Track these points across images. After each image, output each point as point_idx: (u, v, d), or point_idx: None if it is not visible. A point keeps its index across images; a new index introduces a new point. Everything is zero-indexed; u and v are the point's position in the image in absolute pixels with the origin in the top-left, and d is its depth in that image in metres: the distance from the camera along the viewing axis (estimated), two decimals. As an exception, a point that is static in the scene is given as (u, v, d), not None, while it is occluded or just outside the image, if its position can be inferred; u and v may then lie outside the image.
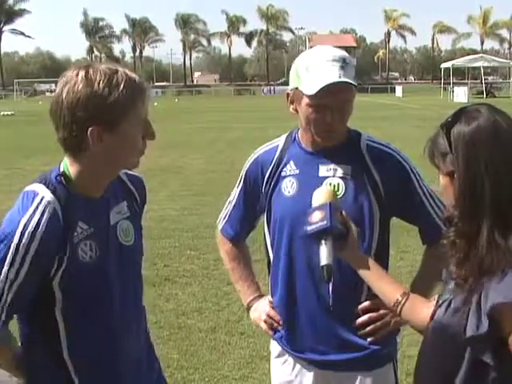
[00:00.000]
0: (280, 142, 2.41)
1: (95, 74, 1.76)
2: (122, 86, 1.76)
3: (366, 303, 2.26)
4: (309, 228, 1.93)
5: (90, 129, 1.76)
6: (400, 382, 2.43)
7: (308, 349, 2.33)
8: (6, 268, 1.74)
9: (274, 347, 2.47)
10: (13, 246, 1.73)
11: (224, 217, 2.56)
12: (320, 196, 2.00)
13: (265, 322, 2.42)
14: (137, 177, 2.11)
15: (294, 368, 2.39)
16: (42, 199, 1.79)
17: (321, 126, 2.20)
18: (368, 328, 2.26)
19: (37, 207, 1.77)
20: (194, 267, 7.04)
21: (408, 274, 5.83)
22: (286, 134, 2.42)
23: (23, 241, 1.74)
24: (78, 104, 1.75)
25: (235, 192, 2.51)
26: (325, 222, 1.90)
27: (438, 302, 1.75)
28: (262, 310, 2.43)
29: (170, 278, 6.66)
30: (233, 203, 2.52)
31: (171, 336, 5.16)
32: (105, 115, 1.76)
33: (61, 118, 1.78)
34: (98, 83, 1.75)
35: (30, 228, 1.74)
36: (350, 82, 2.15)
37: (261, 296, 2.51)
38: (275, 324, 2.39)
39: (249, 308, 2.52)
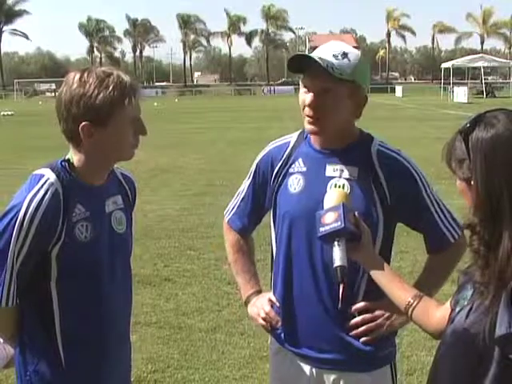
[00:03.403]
0: (292, 138, 2.41)
1: (89, 77, 2.02)
2: (110, 87, 2.01)
3: (361, 304, 2.25)
4: (322, 229, 1.91)
5: (81, 124, 2.02)
6: (399, 383, 2.43)
7: (305, 345, 2.33)
8: (15, 234, 1.99)
9: (273, 344, 2.47)
10: (20, 216, 1.99)
11: (232, 208, 2.56)
12: (333, 197, 1.99)
13: (263, 319, 2.41)
14: (130, 178, 2.37)
15: (291, 364, 2.38)
16: (46, 180, 2.05)
17: (303, 109, 2.22)
18: (360, 329, 2.25)
19: (42, 186, 2.03)
20: (194, 267, 7.03)
21: (408, 275, 5.83)
22: (299, 131, 2.41)
23: (28, 212, 1.99)
24: (72, 102, 2.02)
25: (245, 184, 2.51)
26: (339, 223, 1.88)
27: (454, 308, 1.71)
28: (261, 307, 2.42)
29: (170, 278, 6.66)
30: (242, 195, 2.52)
31: (171, 336, 5.16)
32: (94, 113, 2.01)
33: (60, 113, 2.07)
34: (90, 85, 2.01)
35: (35, 203, 2.00)
36: (318, 61, 2.10)
37: (260, 291, 2.50)
38: (273, 323, 2.39)
39: (247, 302, 2.51)
